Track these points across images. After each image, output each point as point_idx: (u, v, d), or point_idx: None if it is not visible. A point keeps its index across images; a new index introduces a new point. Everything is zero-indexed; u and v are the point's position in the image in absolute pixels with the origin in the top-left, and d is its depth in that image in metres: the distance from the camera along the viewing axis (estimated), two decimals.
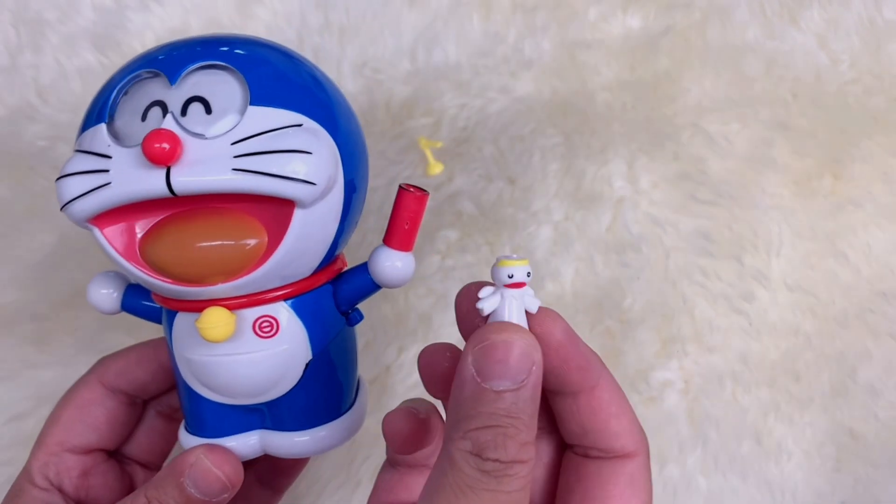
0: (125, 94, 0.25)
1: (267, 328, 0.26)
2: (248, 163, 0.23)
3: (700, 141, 0.42)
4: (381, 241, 0.27)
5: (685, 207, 0.41)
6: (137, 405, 0.31)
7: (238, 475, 0.27)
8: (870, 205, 0.41)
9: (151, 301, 0.28)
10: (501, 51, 0.44)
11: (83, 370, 0.38)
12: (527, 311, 0.22)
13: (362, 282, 0.28)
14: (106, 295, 0.28)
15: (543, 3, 0.44)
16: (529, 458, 0.20)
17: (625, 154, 0.41)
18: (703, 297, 0.40)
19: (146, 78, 0.25)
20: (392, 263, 0.27)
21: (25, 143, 0.44)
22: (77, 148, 0.25)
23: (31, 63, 0.45)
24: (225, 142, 0.23)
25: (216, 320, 0.24)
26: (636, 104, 0.43)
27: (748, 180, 0.41)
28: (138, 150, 0.23)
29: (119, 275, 0.29)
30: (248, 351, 0.26)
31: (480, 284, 0.23)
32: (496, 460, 0.20)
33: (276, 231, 0.24)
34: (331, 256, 0.27)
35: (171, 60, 0.24)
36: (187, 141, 0.23)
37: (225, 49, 0.25)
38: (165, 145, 0.22)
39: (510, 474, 0.20)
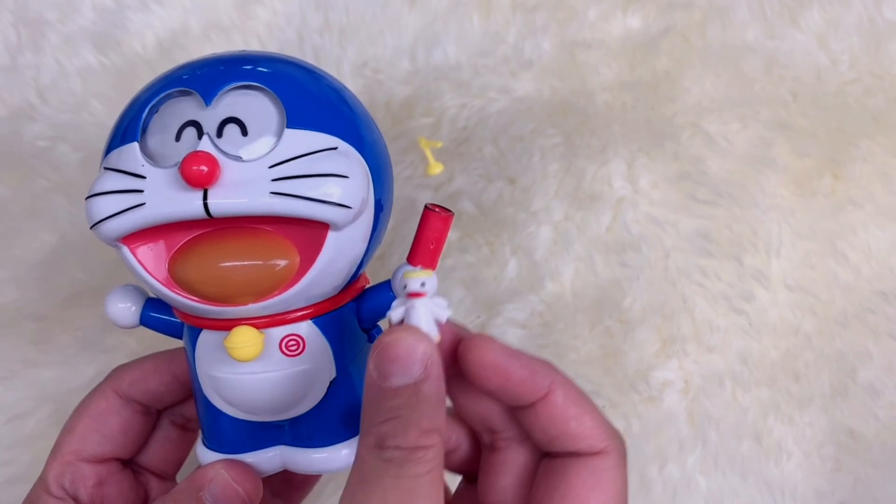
0: (155, 112, 0.24)
1: (293, 347, 0.26)
2: (286, 186, 0.22)
3: (700, 141, 0.42)
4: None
5: (685, 207, 0.41)
6: (151, 414, 0.31)
7: (258, 491, 0.27)
8: (870, 205, 0.41)
9: (171, 316, 0.28)
10: (501, 51, 0.44)
11: (84, 370, 0.38)
12: (439, 322, 0.23)
13: (386, 300, 0.27)
14: (124, 309, 0.28)
15: (543, 3, 0.44)
16: (433, 444, 0.21)
17: (625, 154, 0.41)
18: (703, 297, 0.40)
19: (176, 96, 0.24)
20: None
21: (25, 143, 0.44)
22: (106, 166, 0.24)
23: (31, 63, 0.45)
24: (262, 165, 0.23)
25: (245, 340, 0.24)
26: (636, 104, 0.43)
27: (748, 180, 0.41)
28: (174, 171, 0.23)
29: (138, 289, 0.29)
30: (274, 369, 0.26)
31: None
32: (396, 447, 0.21)
33: (308, 252, 0.24)
34: (356, 275, 0.27)
35: (204, 80, 0.24)
36: (224, 163, 0.23)
37: (256, 69, 0.24)
38: (204, 168, 0.22)
39: (413, 459, 0.21)
